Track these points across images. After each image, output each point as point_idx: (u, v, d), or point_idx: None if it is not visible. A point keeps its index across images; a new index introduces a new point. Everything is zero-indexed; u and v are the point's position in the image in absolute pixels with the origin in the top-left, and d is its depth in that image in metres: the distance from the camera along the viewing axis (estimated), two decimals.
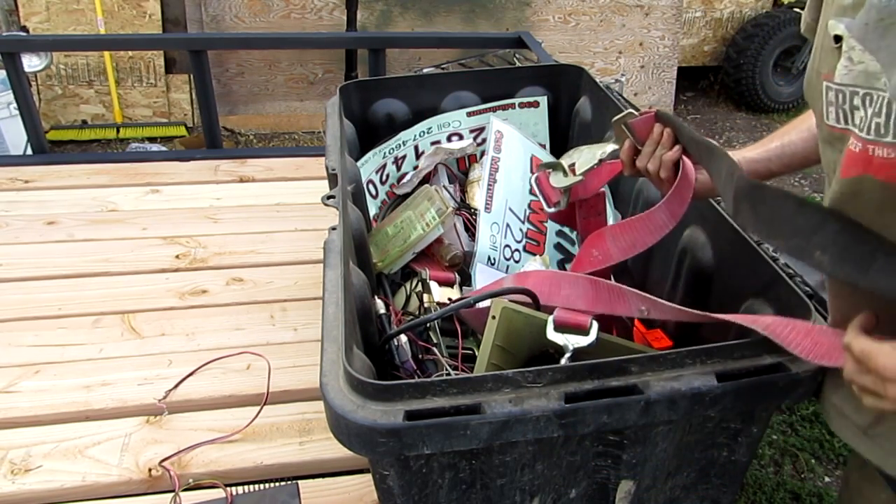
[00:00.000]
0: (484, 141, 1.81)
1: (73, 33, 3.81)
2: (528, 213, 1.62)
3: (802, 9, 0.87)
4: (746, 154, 1.04)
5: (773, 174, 1.03)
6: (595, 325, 1.01)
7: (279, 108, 4.30)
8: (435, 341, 1.21)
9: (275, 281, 1.74)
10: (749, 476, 2.04)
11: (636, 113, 1.09)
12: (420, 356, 1.20)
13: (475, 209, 1.68)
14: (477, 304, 1.17)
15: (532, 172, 1.66)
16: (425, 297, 1.34)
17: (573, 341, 1.00)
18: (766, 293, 1.03)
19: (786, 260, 1.03)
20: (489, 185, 1.58)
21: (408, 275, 1.53)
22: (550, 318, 1.02)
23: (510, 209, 1.59)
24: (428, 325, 1.22)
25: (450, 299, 1.35)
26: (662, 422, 0.87)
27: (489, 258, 1.52)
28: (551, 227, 1.65)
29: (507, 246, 1.56)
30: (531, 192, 1.64)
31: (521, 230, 1.60)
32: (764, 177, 1.03)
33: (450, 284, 1.44)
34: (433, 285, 1.37)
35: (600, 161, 1.17)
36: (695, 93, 5.23)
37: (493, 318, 1.06)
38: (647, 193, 1.45)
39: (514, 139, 1.67)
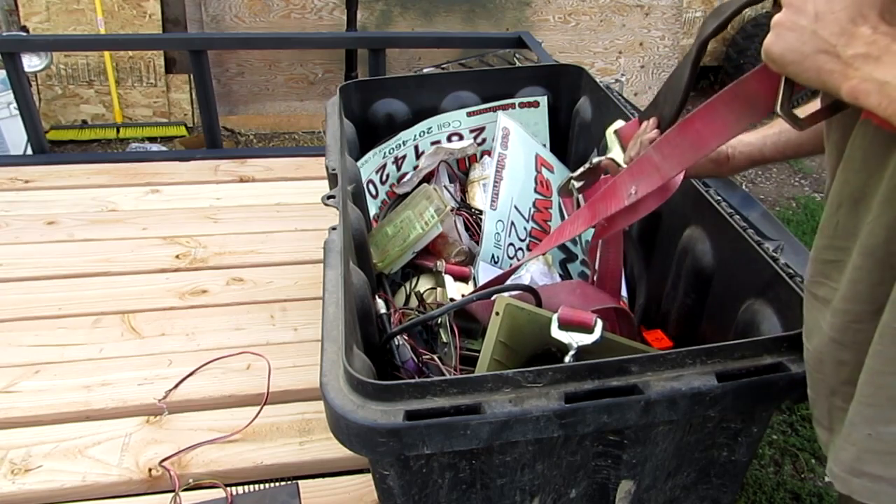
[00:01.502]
0: (484, 141, 1.81)
1: (73, 33, 3.80)
2: (532, 212, 1.62)
3: None
4: (743, 138, 1.06)
5: (766, 158, 1.06)
6: (600, 322, 1.01)
7: (279, 108, 4.29)
8: (444, 339, 1.21)
9: (275, 281, 1.74)
10: (749, 476, 2.03)
11: (622, 122, 1.14)
12: (420, 358, 1.20)
13: (475, 209, 1.68)
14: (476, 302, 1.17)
15: (536, 171, 1.67)
16: (438, 290, 1.34)
17: (577, 339, 1.00)
18: (766, 293, 1.03)
19: (786, 260, 1.03)
20: (495, 182, 1.57)
21: (408, 275, 1.53)
22: (555, 316, 1.02)
23: (515, 207, 1.58)
24: (438, 322, 1.22)
25: (463, 294, 1.35)
26: (662, 422, 0.87)
27: (493, 256, 1.51)
28: (555, 226, 1.65)
29: (511, 244, 1.55)
30: (536, 190, 1.64)
31: (525, 229, 1.59)
32: (756, 160, 1.06)
33: (465, 279, 1.44)
34: (448, 279, 1.37)
35: (592, 164, 1.19)
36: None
37: (497, 314, 1.06)
38: None
39: (519, 137, 1.67)
